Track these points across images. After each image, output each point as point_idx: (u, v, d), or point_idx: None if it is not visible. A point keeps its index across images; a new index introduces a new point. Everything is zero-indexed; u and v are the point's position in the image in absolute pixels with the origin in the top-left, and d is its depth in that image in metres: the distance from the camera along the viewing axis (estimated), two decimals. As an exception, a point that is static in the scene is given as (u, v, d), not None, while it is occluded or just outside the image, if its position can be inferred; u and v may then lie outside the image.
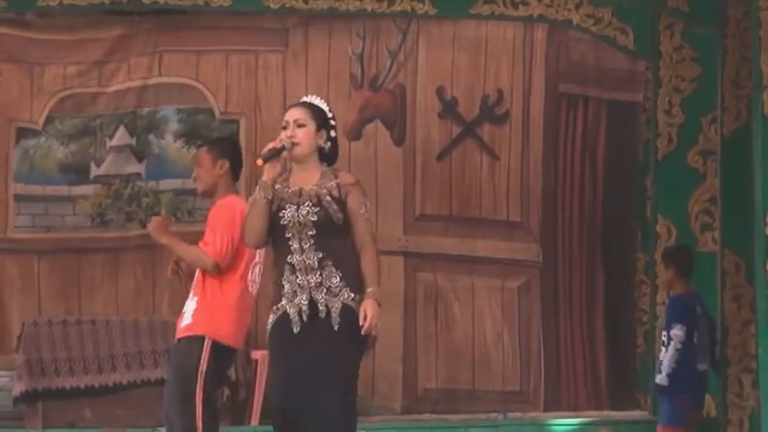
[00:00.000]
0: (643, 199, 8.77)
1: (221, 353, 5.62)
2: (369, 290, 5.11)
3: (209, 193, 5.90)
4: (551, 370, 9.06)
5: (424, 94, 9.13)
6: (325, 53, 9.09)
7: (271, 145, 5.16)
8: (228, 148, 5.95)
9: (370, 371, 8.80)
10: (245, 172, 6.04)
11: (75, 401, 8.21)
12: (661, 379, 7.15)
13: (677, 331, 7.10)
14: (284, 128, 5.20)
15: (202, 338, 5.58)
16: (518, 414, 8.71)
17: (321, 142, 5.21)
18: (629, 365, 8.97)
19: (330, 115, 5.26)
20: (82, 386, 8.24)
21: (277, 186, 5.18)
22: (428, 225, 9.15)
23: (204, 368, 5.54)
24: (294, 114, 5.20)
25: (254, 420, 8.29)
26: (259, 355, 8.23)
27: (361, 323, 5.03)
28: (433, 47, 9.12)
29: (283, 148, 5.14)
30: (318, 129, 5.20)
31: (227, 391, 7.97)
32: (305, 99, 5.29)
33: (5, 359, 8.50)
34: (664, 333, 7.20)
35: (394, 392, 8.98)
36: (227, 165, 5.85)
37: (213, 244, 5.58)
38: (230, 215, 5.61)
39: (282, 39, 9.07)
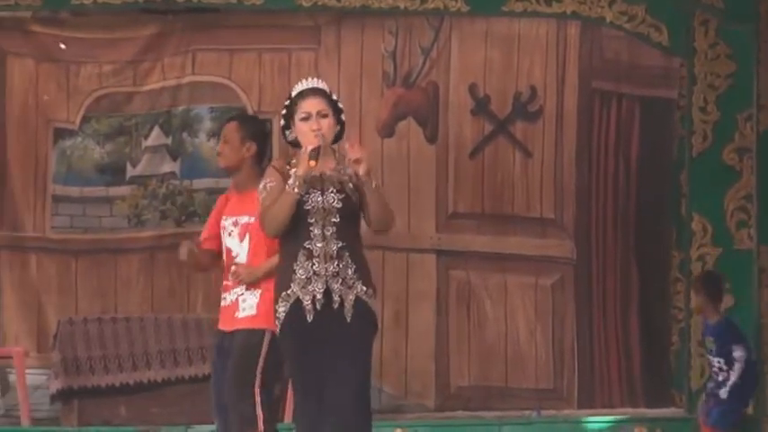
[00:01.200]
0: (678, 196, 8.66)
1: (278, 348, 5.53)
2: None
3: (231, 171, 5.78)
4: (585, 368, 8.94)
5: (457, 91, 9.03)
6: (358, 51, 8.99)
7: (315, 144, 5.02)
8: (259, 131, 5.84)
9: (402, 369, 8.80)
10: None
11: (110, 399, 8.16)
12: (724, 393, 7.31)
13: (740, 353, 7.30)
14: (305, 119, 5.08)
15: (263, 332, 5.53)
16: (552, 412, 8.61)
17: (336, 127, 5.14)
18: (663, 363, 8.82)
19: (336, 97, 5.16)
20: (117, 384, 8.19)
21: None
22: (461, 223, 9.05)
23: (264, 361, 5.52)
24: (315, 105, 5.09)
25: (287, 418, 8.21)
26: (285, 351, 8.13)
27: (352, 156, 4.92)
28: (466, 44, 9.01)
29: (320, 146, 5.03)
30: (333, 115, 5.12)
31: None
32: (315, 85, 5.16)
33: (44, 358, 8.46)
34: (717, 359, 7.35)
35: (427, 390, 8.87)
36: (254, 148, 5.75)
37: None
38: None
39: (315, 37, 8.98)
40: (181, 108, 8.99)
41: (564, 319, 8.98)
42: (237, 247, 5.75)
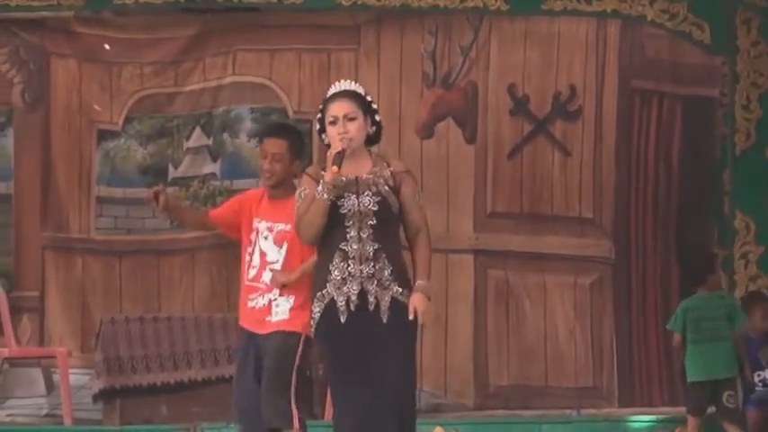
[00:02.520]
0: (720, 195, 8.54)
1: (309, 350, 5.61)
2: (419, 282, 4.94)
3: (277, 188, 5.72)
4: (624, 366, 8.82)
5: (496, 91, 8.92)
6: (398, 51, 8.91)
7: (339, 148, 4.95)
8: (304, 147, 5.85)
9: (442, 368, 8.70)
10: None
11: (151, 398, 8.12)
12: None
13: None
14: (332, 123, 4.99)
15: (299, 335, 5.53)
16: (592, 410, 8.51)
17: (368, 128, 5.02)
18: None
19: (370, 99, 5.05)
20: (158, 383, 8.16)
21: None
22: (499, 222, 8.95)
23: (299, 363, 5.54)
24: (342, 109, 4.99)
25: (327, 416, 8.13)
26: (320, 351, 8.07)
27: (410, 317, 4.87)
28: (505, 43, 8.91)
29: (345, 149, 4.95)
30: (365, 116, 5.01)
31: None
32: (344, 88, 5.06)
33: (88, 357, 8.42)
34: None
35: (466, 389, 8.79)
36: (299, 165, 5.70)
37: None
38: None
39: (354, 37, 8.89)
40: (221, 108, 8.94)
41: (602, 318, 8.88)
42: (276, 253, 5.72)
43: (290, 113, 8.91)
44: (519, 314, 8.88)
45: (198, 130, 8.93)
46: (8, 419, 8.39)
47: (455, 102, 8.93)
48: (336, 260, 4.95)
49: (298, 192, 5.09)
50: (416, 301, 4.92)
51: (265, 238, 5.73)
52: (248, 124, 8.93)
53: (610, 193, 8.89)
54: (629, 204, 8.90)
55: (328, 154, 5.03)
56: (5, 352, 8.12)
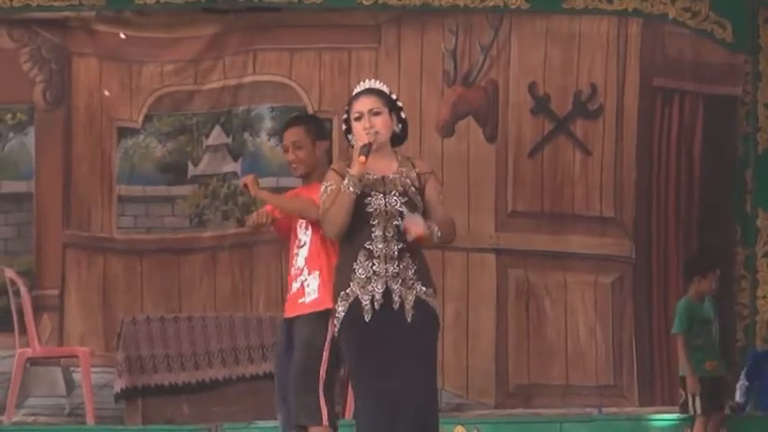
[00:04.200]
0: (743, 193, 8.51)
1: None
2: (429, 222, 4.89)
3: (308, 176, 5.61)
4: (644, 365, 8.74)
5: (517, 89, 8.83)
6: (418, 49, 8.82)
7: (365, 140, 4.94)
8: (322, 127, 5.71)
9: (463, 367, 8.63)
10: None
11: (173, 398, 8.04)
12: None
13: None
14: (357, 119, 4.97)
15: (328, 312, 5.34)
16: (613, 409, 8.43)
17: (394, 126, 5.00)
18: (728, 360, 8.58)
19: (395, 97, 5.04)
20: (179, 383, 8.07)
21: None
22: (520, 222, 8.87)
23: (331, 341, 5.34)
24: (368, 104, 4.98)
25: (348, 415, 8.05)
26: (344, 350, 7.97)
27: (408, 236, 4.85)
28: (526, 42, 8.82)
29: (371, 142, 4.92)
30: (390, 113, 4.99)
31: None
32: (369, 86, 5.05)
33: (109, 357, 8.35)
34: None
35: (487, 388, 8.71)
36: (324, 145, 5.61)
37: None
38: None
39: (375, 36, 8.82)
40: (242, 107, 8.87)
41: (623, 317, 8.79)
42: (304, 236, 5.62)
43: (311, 112, 8.76)
44: (540, 313, 8.80)
45: (217, 129, 8.87)
46: (31, 419, 8.36)
47: (476, 100, 8.85)
48: (361, 259, 4.93)
49: (323, 186, 5.04)
50: (414, 222, 4.89)
51: (300, 225, 5.65)
52: (268, 123, 8.87)
53: (631, 192, 8.80)
54: (650, 203, 8.81)
55: (354, 149, 4.99)
56: (29, 352, 8.07)
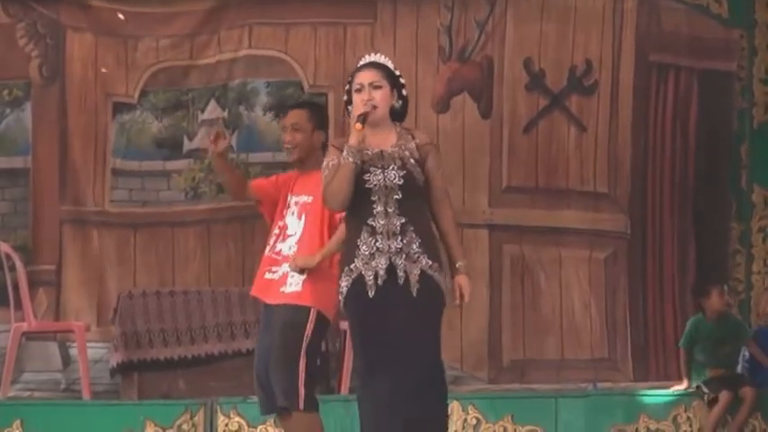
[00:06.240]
0: (738, 168, 8.43)
1: (322, 325, 5.45)
2: (459, 264, 4.91)
3: (303, 162, 5.56)
4: (638, 340, 8.68)
5: (512, 65, 8.75)
6: (414, 25, 8.74)
7: (362, 110, 4.88)
8: (326, 121, 5.66)
9: (457, 342, 8.54)
10: None
11: (169, 372, 8.00)
12: None
13: None
14: (358, 90, 4.91)
15: (308, 309, 5.40)
16: (608, 384, 8.36)
17: (394, 102, 4.94)
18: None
19: (398, 73, 4.98)
20: (175, 357, 8.02)
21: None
22: (514, 197, 8.81)
23: (309, 338, 5.39)
24: (368, 77, 4.92)
25: (344, 390, 8.00)
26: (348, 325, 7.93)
27: (457, 301, 4.86)
28: (521, 18, 8.73)
29: (367, 112, 4.87)
30: (391, 89, 4.93)
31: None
32: (372, 59, 5.00)
33: (105, 331, 8.33)
34: None
35: (481, 363, 8.67)
36: (322, 137, 5.56)
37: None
38: None
39: (371, 11, 8.74)
40: (237, 81, 8.80)
41: (617, 292, 8.74)
42: (295, 225, 5.59)
43: (306, 87, 8.78)
44: (534, 288, 8.75)
45: (213, 103, 8.81)
46: (26, 394, 8.31)
47: (471, 76, 8.77)
48: (364, 235, 4.87)
49: (324, 163, 4.99)
50: (462, 283, 4.93)
51: (292, 213, 5.60)
52: (264, 98, 8.81)
53: (626, 167, 8.72)
54: (645, 179, 8.74)
55: (352, 119, 4.93)
56: (24, 326, 8.01)
